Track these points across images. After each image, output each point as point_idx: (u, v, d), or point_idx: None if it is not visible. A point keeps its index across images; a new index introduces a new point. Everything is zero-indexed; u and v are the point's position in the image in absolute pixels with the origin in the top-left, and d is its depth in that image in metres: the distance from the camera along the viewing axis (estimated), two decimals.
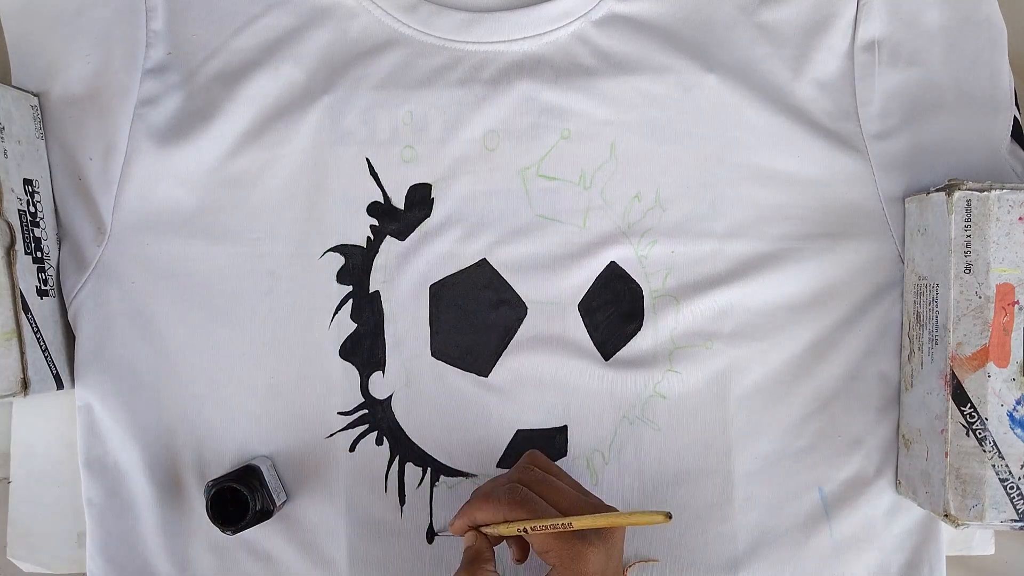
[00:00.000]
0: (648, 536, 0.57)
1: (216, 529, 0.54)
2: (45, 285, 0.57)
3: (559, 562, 0.46)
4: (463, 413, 0.58)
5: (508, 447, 0.58)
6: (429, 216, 0.58)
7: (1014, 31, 0.58)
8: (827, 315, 0.58)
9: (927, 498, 0.53)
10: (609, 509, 0.48)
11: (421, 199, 0.58)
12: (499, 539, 0.50)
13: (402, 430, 0.58)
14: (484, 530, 0.49)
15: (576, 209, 0.58)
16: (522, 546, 0.51)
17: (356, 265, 0.58)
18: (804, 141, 0.58)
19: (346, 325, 0.58)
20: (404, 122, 0.58)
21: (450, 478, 0.58)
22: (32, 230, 0.56)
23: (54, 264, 0.58)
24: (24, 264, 0.55)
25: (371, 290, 0.58)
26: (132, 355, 0.58)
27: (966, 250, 0.51)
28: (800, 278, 0.58)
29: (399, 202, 0.58)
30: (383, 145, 0.58)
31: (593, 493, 0.50)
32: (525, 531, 0.47)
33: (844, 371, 0.58)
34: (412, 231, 0.58)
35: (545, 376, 0.58)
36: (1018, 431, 0.51)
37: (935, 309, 0.53)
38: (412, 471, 0.58)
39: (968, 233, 0.51)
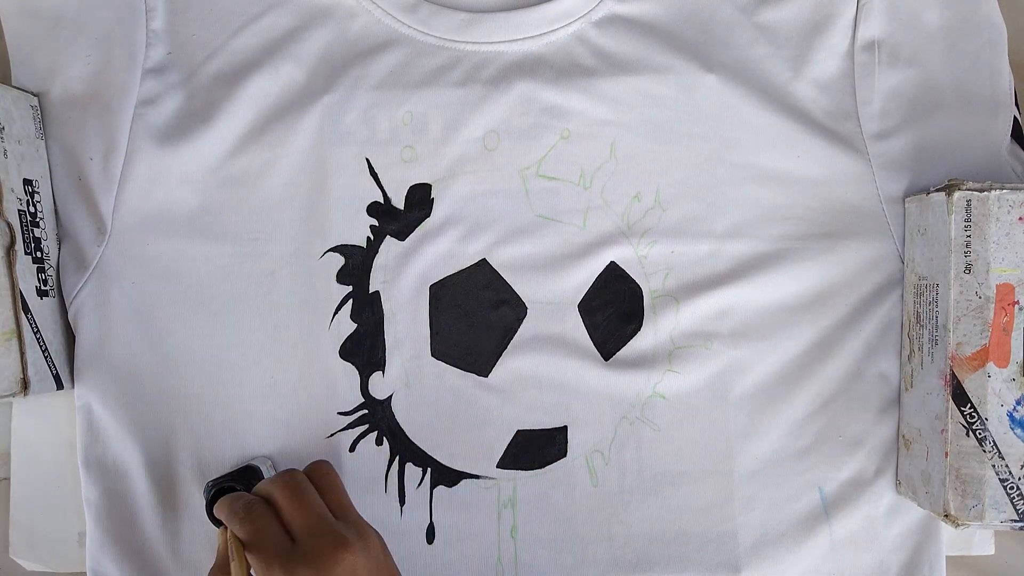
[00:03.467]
0: (648, 537, 0.57)
1: (216, 529, 0.54)
2: (45, 285, 0.57)
3: None
4: (463, 413, 0.58)
5: (508, 447, 0.58)
6: (429, 216, 0.58)
7: (1014, 31, 0.58)
8: (827, 315, 0.58)
9: (927, 498, 0.53)
10: (337, 545, 0.45)
11: (421, 199, 0.58)
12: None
13: (402, 430, 0.58)
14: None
15: (576, 209, 0.58)
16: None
17: (356, 265, 0.58)
18: (804, 141, 0.58)
19: (346, 325, 0.58)
20: (404, 122, 0.58)
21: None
22: (32, 230, 0.56)
23: (54, 264, 0.58)
24: (24, 264, 0.55)
25: (371, 290, 0.58)
26: (132, 355, 0.58)
27: (966, 250, 0.51)
28: (800, 278, 0.58)
29: (399, 202, 0.58)
30: (383, 145, 0.58)
31: (362, 521, 0.48)
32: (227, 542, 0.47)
33: (844, 371, 0.58)
34: (412, 231, 0.58)
35: (545, 376, 0.58)
36: (1018, 431, 0.51)
37: (935, 309, 0.53)
38: (412, 471, 0.58)
39: (968, 233, 0.51)
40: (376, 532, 0.48)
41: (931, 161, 0.57)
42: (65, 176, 0.58)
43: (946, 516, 0.51)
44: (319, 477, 0.50)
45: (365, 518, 0.57)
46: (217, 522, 0.53)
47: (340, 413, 0.58)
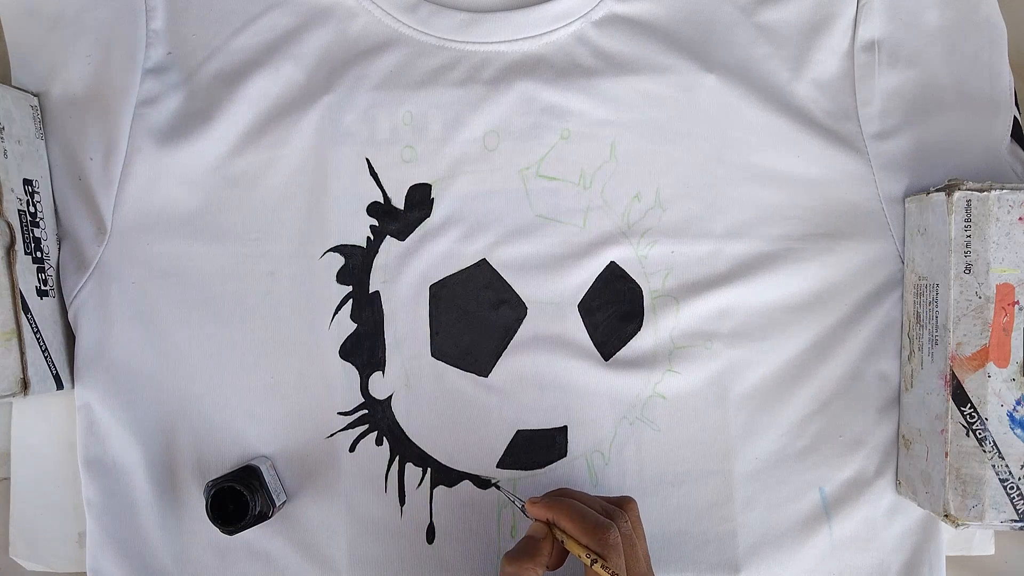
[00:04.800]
0: (648, 537, 0.57)
1: (216, 529, 0.54)
2: (45, 285, 0.57)
3: None
4: (463, 413, 0.58)
5: (508, 447, 0.58)
6: (429, 216, 0.58)
7: (1014, 31, 0.58)
8: (827, 315, 0.58)
9: (927, 498, 0.53)
10: None
11: (421, 199, 0.58)
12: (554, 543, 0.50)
13: (402, 430, 0.58)
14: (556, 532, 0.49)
15: (576, 209, 0.58)
16: (562, 558, 0.51)
17: (356, 265, 0.58)
18: (804, 141, 0.58)
19: (346, 325, 0.58)
20: (404, 122, 0.58)
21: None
22: (32, 230, 0.56)
23: (54, 264, 0.58)
24: (24, 264, 0.55)
25: (371, 290, 0.58)
26: (132, 355, 0.58)
27: (966, 250, 0.51)
28: (800, 278, 0.58)
29: (399, 202, 0.58)
30: (383, 145, 0.58)
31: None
32: (591, 566, 0.47)
33: (844, 371, 0.58)
34: (412, 231, 0.58)
35: (545, 376, 0.58)
36: (1018, 431, 0.51)
37: (935, 309, 0.53)
38: (412, 471, 0.58)
39: (968, 233, 0.51)
40: None
41: (931, 161, 0.57)
42: (65, 176, 0.58)
43: (946, 516, 0.51)
44: (635, 520, 0.51)
45: (365, 518, 0.58)
46: (217, 522, 0.53)
47: (340, 413, 0.58)
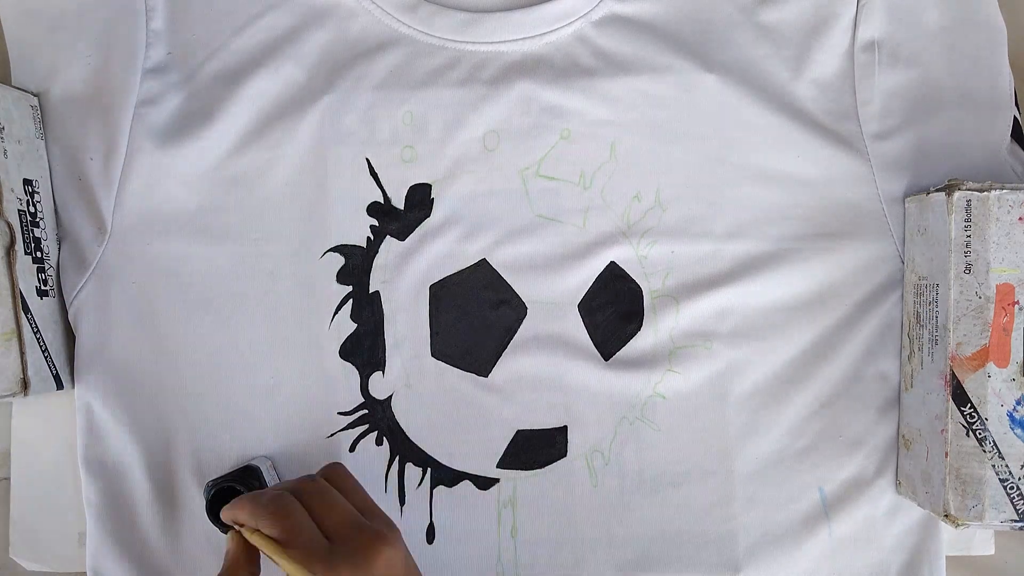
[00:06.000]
0: (648, 537, 0.57)
1: (216, 529, 0.54)
2: (45, 285, 0.57)
3: None
4: (463, 413, 0.58)
5: (508, 447, 0.58)
6: (429, 216, 0.58)
7: (1014, 31, 0.58)
8: (827, 315, 0.58)
9: (927, 498, 0.53)
10: (375, 545, 0.44)
11: (421, 199, 0.58)
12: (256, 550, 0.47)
13: (402, 430, 0.58)
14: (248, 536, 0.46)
15: (576, 209, 0.58)
16: (253, 560, 0.47)
17: (356, 265, 0.58)
18: (804, 141, 0.58)
19: (346, 325, 0.58)
20: (404, 122, 0.58)
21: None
22: (32, 230, 0.56)
23: (54, 264, 0.58)
24: (24, 264, 0.55)
25: (371, 290, 0.58)
26: (132, 355, 0.58)
27: (966, 250, 0.51)
28: (800, 278, 0.58)
29: (399, 202, 0.58)
30: (383, 145, 0.58)
31: (387, 516, 0.48)
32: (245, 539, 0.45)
33: (844, 371, 0.58)
34: (412, 231, 0.58)
35: (545, 376, 0.58)
36: (1018, 431, 0.51)
37: (935, 309, 0.53)
38: (412, 471, 0.58)
39: (968, 233, 0.51)
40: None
41: (931, 161, 0.57)
42: (65, 176, 0.58)
43: (946, 516, 0.51)
44: (337, 479, 0.49)
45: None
46: (219, 523, 0.53)
47: (340, 413, 0.58)
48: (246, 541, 0.46)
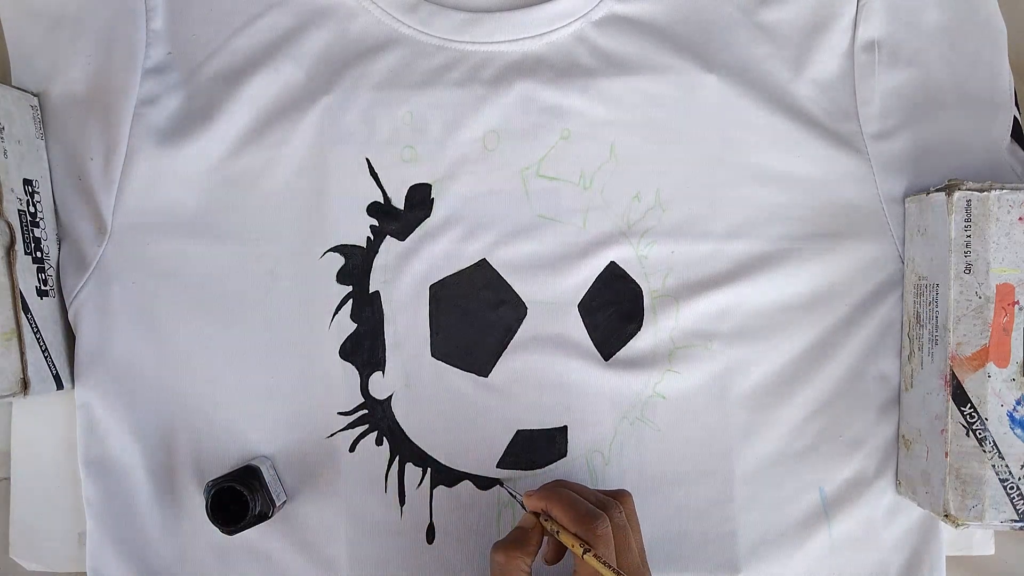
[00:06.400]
0: (648, 537, 0.57)
1: (216, 529, 0.54)
2: (45, 285, 0.57)
3: None
4: (463, 413, 0.58)
5: (508, 447, 0.58)
6: (429, 216, 0.58)
7: (1014, 31, 0.58)
8: (827, 315, 0.58)
9: (927, 498, 0.53)
10: None
11: (421, 199, 0.58)
12: (544, 534, 0.50)
13: (402, 430, 0.58)
14: (545, 523, 0.50)
15: (576, 209, 0.58)
16: (560, 552, 0.51)
17: (356, 265, 0.58)
18: (804, 141, 0.58)
19: (346, 325, 0.58)
20: (404, 122, 0.58)
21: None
22: (32, 230, 0.56)
23: (54, 264, 0.58)
24: (24, 264, 0.55)
25: (371, 290, 0.58)
26: (132, 355, 0.58)
27: (966, 250, 0.51)
28: (800, 278, 0.58)
29: (399, 202, 0.58)
30: (383, 145, 0.58)
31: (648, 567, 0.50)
32: (581, 556, 0.47)
33: (844, 371, 0.58)
34: (412, 231, 0.58)
35: (545, 376, 0.58)
36: (1018, 431, 0.51)
37: (935, 309, 0.53)
38: (412, 471, 0.58)
39: (968, 233, 0.51)
40: None
41: (931, 161, 0.57)
42: (65, 176, 0.58)
43: (946, 516, 0.51)
44: (629, 512, 0.51)
45: (365, 518, 0.57)
46: (217, 522, 0.53)
47: (340, 413, 0.58)
48: (541, 529, 0.50)
